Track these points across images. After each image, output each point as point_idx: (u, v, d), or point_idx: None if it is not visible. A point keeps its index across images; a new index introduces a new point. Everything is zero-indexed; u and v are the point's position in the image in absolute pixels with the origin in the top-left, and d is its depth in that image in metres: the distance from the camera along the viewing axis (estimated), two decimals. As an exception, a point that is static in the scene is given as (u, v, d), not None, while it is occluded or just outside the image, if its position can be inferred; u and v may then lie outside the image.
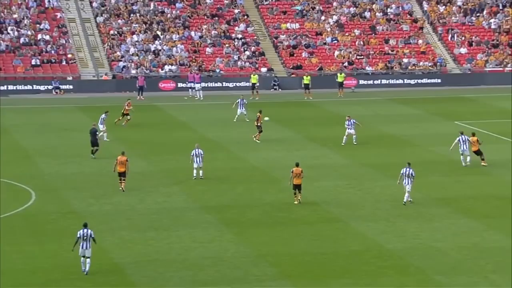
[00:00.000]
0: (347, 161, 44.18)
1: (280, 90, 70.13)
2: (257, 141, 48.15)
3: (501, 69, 72.58)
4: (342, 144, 47.09)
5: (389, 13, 77.58)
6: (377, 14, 77.36)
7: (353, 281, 27.77)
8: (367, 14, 77.34)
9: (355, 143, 47.17)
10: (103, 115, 48.83)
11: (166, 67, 70.86)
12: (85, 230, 28.10)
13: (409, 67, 72.71)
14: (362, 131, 48.37)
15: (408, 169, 35.86)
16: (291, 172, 35.90)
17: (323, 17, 76.86)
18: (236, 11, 76.67)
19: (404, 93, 67.39)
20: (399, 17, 77.31)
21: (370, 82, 71.05)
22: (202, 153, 39.98)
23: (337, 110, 60.66)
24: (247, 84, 67.70)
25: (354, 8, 77.75)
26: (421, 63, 72.95)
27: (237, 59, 72.29)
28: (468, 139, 42.18)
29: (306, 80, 65.99)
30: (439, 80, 71.51)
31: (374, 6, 77.93)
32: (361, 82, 70.85)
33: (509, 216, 34.43)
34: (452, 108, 60.49)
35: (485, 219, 34.03)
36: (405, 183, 35.79)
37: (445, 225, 33.27)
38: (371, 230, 32.75)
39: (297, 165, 36.13)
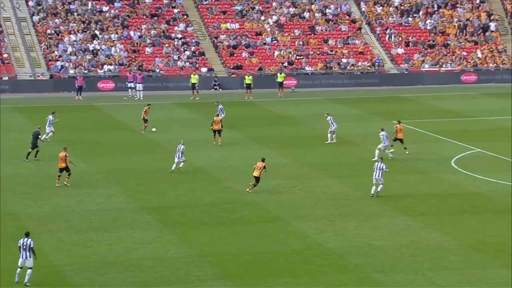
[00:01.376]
0: (288, 160, 44.37)
1: (220, 90, 70.10)
2: (219, 144, 47.49)
3: (437, 69, 73.71)
4: (329, 142, 47.59)
5: (328, 14, 78.17)
6: (316, 14, 77.88)
7: (294, 280, 27.88)
8: (306, 14, 77.81)
9: (333, 141, 47.81)
10: (50, 116, 48.23)
11: (105, 67, 70.26)
12: (25, 239, 27.38)
13: (348, 67, 73.37)
14: (303, 130, 48.68)
15: (380, 163, 36.89)
16: (255, 165, 37.64)
17: (262, 17, 77.08)
18: (175, 10, 76.38)
19: (343, 93, 67.97)
20: (338, 18, 77.96)
21: (310, 82, 71.48)
22: (183, 148, 41.13)
23: (278, 110, 60.89)
24: (188, 84, 67.52)
25: (294, 9, 78.15)
26: (359, 63, 73.70)
27: (177, 59, 72.04)
28: (386, 135, 43.27)
29: (248, 80, 66.13)
30: (377, 80, 72.31)
31: (313, 6, 78.43)
32: (301, 82, 71.24)
33: (445, 213, 35.02)
34: (390, 107, 61.19)
35: (422, 217, 34.51)
36: (376, 176, 36.80)
37: (383, 224, 33.65)
38: (311, 229, 32.95)
39: (262, 160, 37.96)
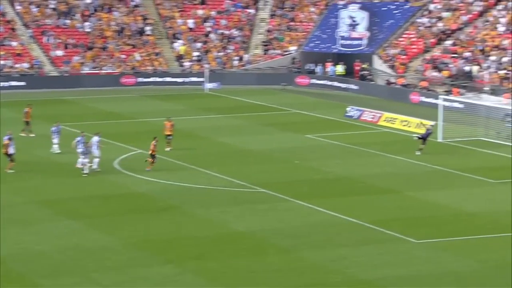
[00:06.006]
0: None
1: None
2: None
3: (97, 71, 74.18)
4: None
5: (-19, 14, 75.42)
6: (-31, 14, 74.72)
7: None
8: (-41, 14, 74.38)
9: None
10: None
11: None
12: None
13: (5, 69, 71.28)
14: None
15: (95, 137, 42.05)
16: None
17: None
18: None
19: (3, 96, 65.82)
20: (-7, 18, 75.47)
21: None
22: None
23: None
24: None
25: None
26: (18, 65, 71.92)
27: None
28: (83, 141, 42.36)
29: None
30: (38, 82, 71.04)
31: (-36, 6, 75.14)
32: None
33: (110, 214, 35.42)
34: (52, 110, 60.44)
35: (86, 219, 34.61)
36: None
37: (47, 228, 33.27)
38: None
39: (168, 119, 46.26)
